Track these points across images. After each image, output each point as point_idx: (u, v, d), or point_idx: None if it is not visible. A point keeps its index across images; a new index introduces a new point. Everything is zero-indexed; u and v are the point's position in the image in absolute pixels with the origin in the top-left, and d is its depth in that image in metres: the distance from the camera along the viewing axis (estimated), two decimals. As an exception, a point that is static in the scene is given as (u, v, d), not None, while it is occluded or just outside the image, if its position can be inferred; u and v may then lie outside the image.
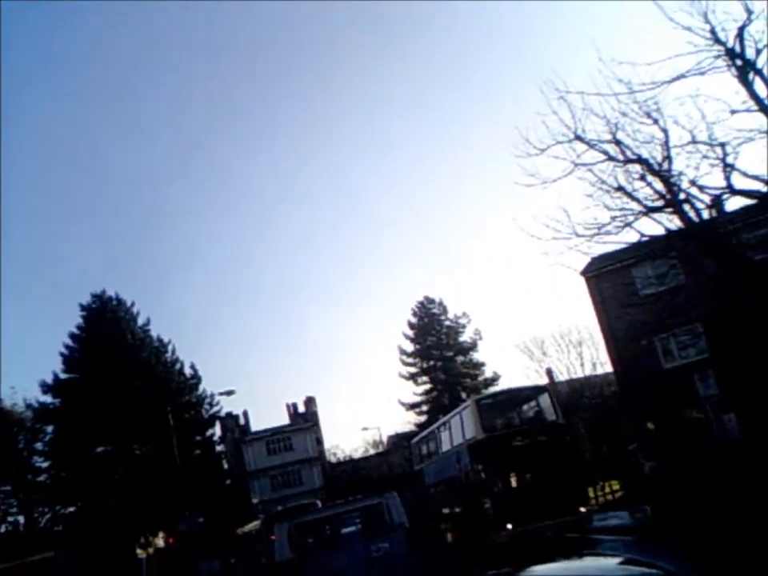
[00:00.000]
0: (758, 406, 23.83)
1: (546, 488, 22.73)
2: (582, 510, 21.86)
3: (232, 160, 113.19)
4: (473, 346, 61.46)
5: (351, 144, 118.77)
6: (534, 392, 25.98)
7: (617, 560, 4.00)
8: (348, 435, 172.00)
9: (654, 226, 18.61)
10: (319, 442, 68.13)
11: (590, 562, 4.22)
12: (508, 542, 20.61)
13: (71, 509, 43.90)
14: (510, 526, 21.24)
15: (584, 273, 33.29)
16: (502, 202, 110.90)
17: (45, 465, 44.57)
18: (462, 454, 24.65)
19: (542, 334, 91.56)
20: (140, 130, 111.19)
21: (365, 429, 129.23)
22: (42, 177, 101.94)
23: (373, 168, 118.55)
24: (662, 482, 22.04)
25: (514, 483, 23.12)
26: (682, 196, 17.98)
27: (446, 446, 27.44)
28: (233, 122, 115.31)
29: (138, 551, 49.43)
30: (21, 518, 42.88)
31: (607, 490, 33.01)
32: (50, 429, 44.76)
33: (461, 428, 25.22)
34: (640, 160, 18.11)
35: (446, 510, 27.29)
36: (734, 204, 22.51)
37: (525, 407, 25.68)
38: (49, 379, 47.06)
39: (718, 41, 16.40)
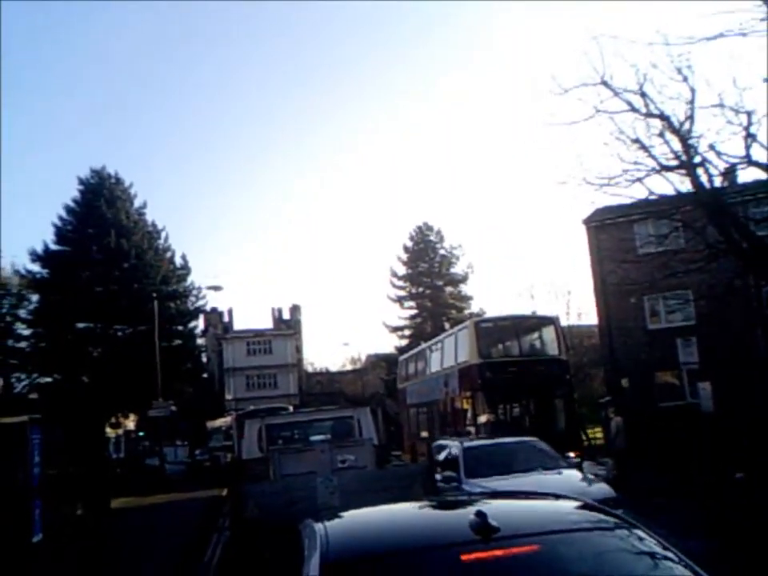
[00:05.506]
0: (732, 379, 24.14)
1: (538, 426, 20.96)
2: (572, 455, 21.07)
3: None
4: (463, 279, 61.41)
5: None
6: (539, 322, 24.20)
7: (575, 503, 3.70)
8: (328, 349, 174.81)
9: (664, 186, 18.40)
10: (299, 350, 68.81)
11: (547, 503, 3.85)
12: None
13: (48, 379, 44.32)
14: None
15: (586, 222, 33.15)
16: (515, 141, 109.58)
17: (27, 332, 44.71)
18: (450, 377, 23.51)
19: (534, 278, 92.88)
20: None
21: (346, 344, 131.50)
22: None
23: (387, 88, 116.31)
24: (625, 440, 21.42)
25: (502, 416, 21.68)
26: (697, 159, 17.68)
27: (434, 367, 26.21)
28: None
29: (108, 430, 50.56)
30: (-1, 381, 43.38)
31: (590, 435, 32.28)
32: (35, 298, 44.78)
33: (454, 350, 23.81)
34: (662, 116, 17.70)
35: (424, 434, 25.88)
36: (746, 176, 22.27)
37: (527, 337, 24.11)
38: (39, 249, 46.86)
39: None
